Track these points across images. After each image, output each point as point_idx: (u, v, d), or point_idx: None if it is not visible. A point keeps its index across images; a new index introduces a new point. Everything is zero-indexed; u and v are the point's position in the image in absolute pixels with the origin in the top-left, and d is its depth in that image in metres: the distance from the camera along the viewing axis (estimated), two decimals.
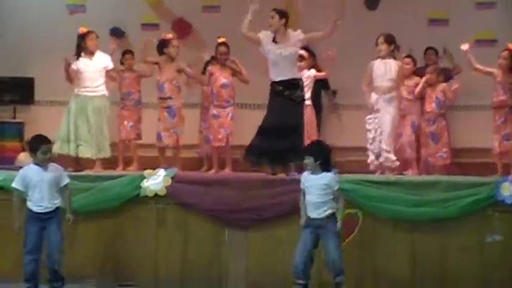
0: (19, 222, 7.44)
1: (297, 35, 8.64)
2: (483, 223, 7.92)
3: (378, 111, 8.94)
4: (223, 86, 9.50)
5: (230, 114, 9.53)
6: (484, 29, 10.14)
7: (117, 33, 11.02)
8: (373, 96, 8.96)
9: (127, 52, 10.18)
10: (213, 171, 9.45)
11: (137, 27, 10.94)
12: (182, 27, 11.02)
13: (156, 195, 8.34)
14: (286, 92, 8.55)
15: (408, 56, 9.78)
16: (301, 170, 7.75)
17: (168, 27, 10.95)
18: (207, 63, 9.99)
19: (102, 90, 9.34)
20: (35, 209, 7.40)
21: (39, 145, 7.45)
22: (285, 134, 8.42)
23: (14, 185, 7.53)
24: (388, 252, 8.02)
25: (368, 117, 9.02)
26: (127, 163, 9.91)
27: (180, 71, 9.56)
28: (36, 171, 7.44)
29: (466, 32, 10.19)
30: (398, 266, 8.00)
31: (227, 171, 9.43)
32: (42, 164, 7.45)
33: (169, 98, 9.47)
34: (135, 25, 10.94)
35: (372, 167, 9.03)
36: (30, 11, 11.19)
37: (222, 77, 9.52)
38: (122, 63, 10.12)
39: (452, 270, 7.97)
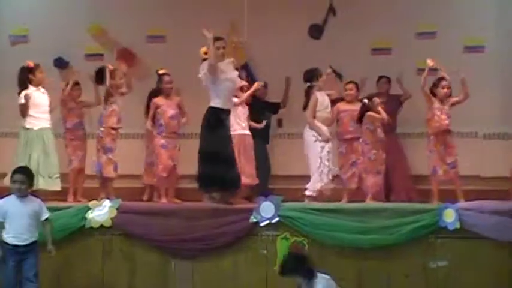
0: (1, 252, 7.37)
1: None
2: (426, 249, 8.03)
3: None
4: (172, 117, 9.50)
5: (178, 145, 9.55)
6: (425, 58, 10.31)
7: (61, 63, 10.96)
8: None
9: (76, 83, 10.10)
10: (164, 200, 9.37)
11: (81, 57, 10.88)
12: (126, 57, 10.97)
13: (101, 226, 8.29)
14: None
15: (351, 82, 9.85)
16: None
17: (112, 57, 10.91)
18: (151, 95, 9.94)
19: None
20: (12, 241, 7.31)
21: (11, 174, 7.48)
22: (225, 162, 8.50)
23: None
24: (335, 278, 8.05)
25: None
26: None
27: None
28: (14, 203, 7.39)
29: (408, 60, 10.39)
30: None
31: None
32: (14, 193, 7.40)
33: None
34: (78, 55, 10.88)
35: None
36: None
37: (170, 109, 9.50)
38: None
39: None
